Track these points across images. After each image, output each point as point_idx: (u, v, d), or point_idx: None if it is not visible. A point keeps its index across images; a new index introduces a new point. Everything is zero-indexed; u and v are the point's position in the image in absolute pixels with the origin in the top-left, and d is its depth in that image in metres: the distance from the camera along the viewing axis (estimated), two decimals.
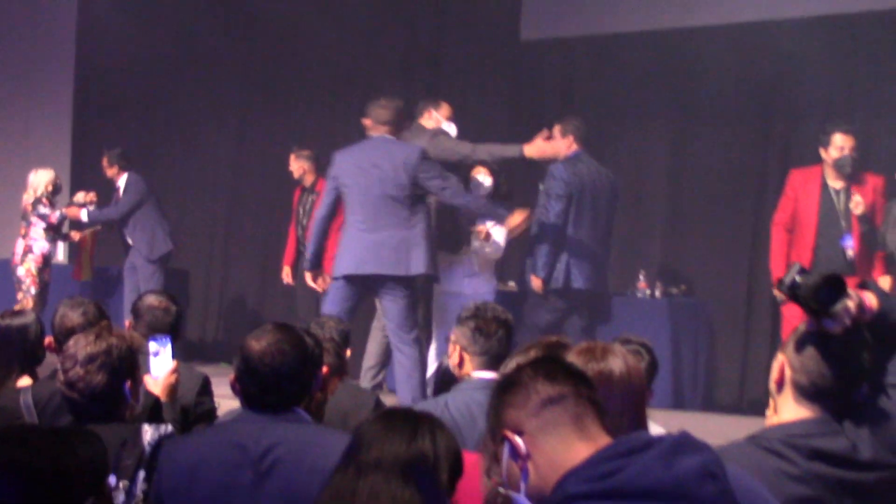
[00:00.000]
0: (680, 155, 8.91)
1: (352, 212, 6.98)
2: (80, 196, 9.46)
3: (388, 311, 6.94)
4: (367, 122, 7.14)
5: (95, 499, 2.10)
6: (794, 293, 2.73)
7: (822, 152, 7.20)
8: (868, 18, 8.07)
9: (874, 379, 2.89)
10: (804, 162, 7.58)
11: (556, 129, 7.78)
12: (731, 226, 8.63)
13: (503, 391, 2.17)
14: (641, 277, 8.30)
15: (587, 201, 7.55)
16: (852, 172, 7.14)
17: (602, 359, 2.61)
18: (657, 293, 8.24)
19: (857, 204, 6.98)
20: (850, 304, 2.73)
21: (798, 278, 2.73)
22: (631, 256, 8.73)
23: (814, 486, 2.71)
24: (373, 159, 6.93)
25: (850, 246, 7.10)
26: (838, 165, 7.15)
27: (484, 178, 7.44)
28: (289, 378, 3.08)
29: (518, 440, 2.10)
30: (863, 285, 2.93)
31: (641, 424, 2.59)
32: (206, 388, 4.49)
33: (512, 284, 8.35)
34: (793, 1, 8.34)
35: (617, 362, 2.62)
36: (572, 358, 2.61)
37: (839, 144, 7.14)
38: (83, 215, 9.37)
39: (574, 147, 7.70)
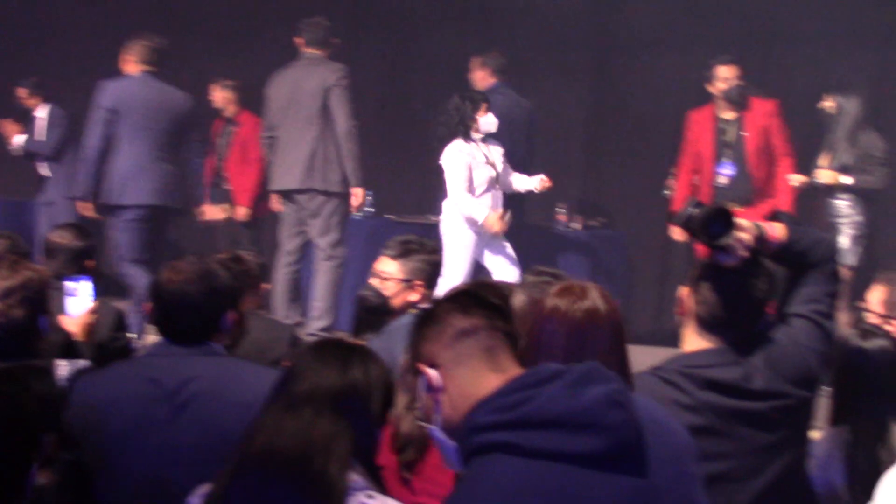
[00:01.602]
0: (600, 87, 8.93)
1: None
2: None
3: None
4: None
5: (55, 434, 2.07)
6: (686, 226, 2.77)
7: (711, 88, 7.33)
8: None
9: (780, 308, 2.94)
10: None
11: (474, 62, 7.78)
12: (650, 158, 8.69)
13: (420, 325, 2.18)
14: (561, 209, 8.33)
15: (504, 132, 7.54)
16: (742, 101, 7.24)
17: (585, 297, 2.60)
18: (576, 225, 8.29)
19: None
20: (744, 235, 2.76)
21: (692, 212, 2.75)
22: (552, 188, 8.76)
23: (705, 416, 2.75)
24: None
25: (726, 174, 7.21)
26: (727, 96, 7.26)
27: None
28: (192, 308, 3.06)
29: (432, 372, 2.11)
30: (774, 216, 2.98)
31: (626, 364, 2.60)
32: (121, 324, 4.45)
33: (431, 217, 8.34)
34: None
35: (599, 300, 2.62)
36: (554, 300, 2.60)
37: (724, 76, 7.27)
38: (21, 141, 9.04)
39: (491, 80, 7.69)
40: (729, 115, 7.32)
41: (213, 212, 8.61)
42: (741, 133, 7.26)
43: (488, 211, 6.97)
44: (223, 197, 8.86)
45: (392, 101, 9.60)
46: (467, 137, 7.00)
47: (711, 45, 8.45)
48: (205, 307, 3.07)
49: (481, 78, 7.78)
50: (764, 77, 8.13)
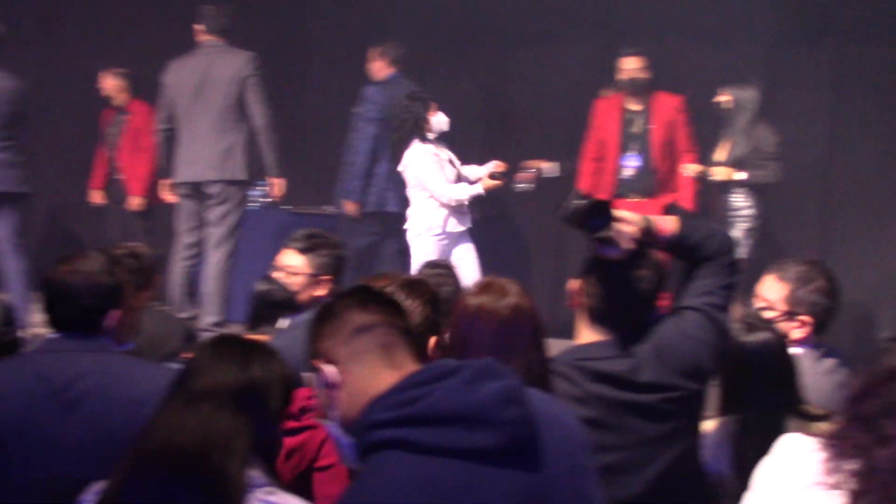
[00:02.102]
0: (497, 77, 8.96)
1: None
2: None
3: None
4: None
5: None
6: (568, 219, 2.79)
7: (618, 78, 7.44)
8: None
9: (674, 301, 2.98)
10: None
11: (372, 52, 7.76)
12: (544, 150, 8.75)
13: (319, 321, 2.17)
14: None
15: None
16: (642, 92, 7.36)
17: (508, 293, 2.62)
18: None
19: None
20: (628, 228, 2.79)
21: (574, 204, 2.77)
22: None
23: (594, 408, 2.77)
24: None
25: (631, 165, 7.32)
26: (627, 86, 7.36)
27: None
28: (72, 300, 3.01)
29: (328, 369, 2.11)
30: (668, 210, 3.02)
31: (545, 358, 2.61)
32: (9, 317, 4.34)
33: (329, 208, 8.31)
34: None
35: (520, 296, 2.64)
36: (480, 298, 2.61)
37: (626, 67, 7.38)
38: None
39: (389, 70, 7.68)
40: (636, 106, 7.42)
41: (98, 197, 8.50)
42: (647, 126, 7.38)
43: (472, 187, 6.96)
44: (116, 187, 8.72)
45: (286, 90, 9.50)
46: (423, 138, 6.97)
47: (605, 39, 8.56)
48: (86, 301, 3.02)
49: (379, 68, 7.76)
50: (658, 71, 8.25)
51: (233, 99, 7.07)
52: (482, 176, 7.12)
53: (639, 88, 7.38)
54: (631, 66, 7.39)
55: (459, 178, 7.07)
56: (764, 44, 8.09)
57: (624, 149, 7.43)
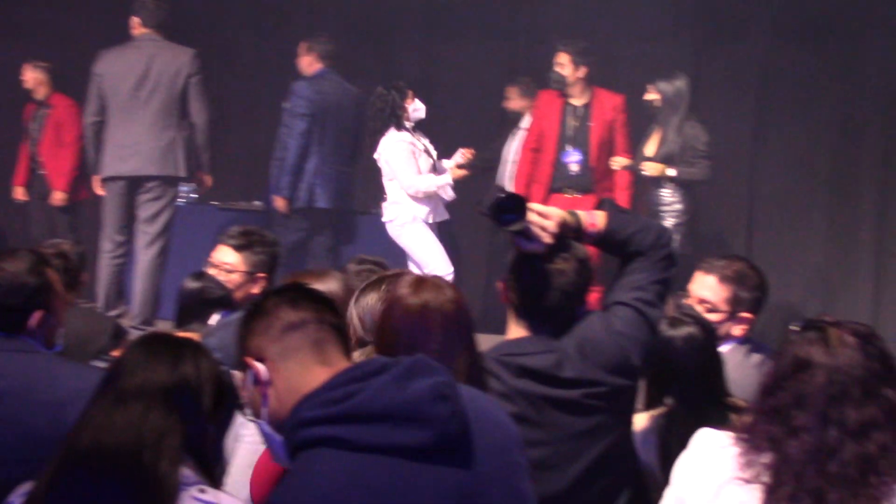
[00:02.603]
0: (427, 72, 8.95)
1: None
2: None
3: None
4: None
5: None
6: (485, 213, 2.80)
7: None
8: None
9: (605, 296, 2.99)
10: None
11: (301, 47, 7.72)
12: (479, 141, 8.76)
13: (249, 318, 2.16)
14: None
15: (331, 119, 7.52)
16: (587, 89, 7.41)
17: (445, 289, 2.60)
18: None
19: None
20: (546, 223, 2.79)
21: (493, 198, 2.78)
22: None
23: (518, 403, 2.77)
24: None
25: (574, 161, 7.37)
26: (553, 81, 7.41)
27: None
28: None
29: (259, 366, 2.10)
30: (600, 205, 3.02)
31: (477, 353, 2.61)
32: None
33: (257, 204, 8.26)
34: None
35: (454, 291, 2.62)
36: (418, 297, 2.57)
37: (558, 61, 7.42)
38: None
39: (318, 65, 7.65)
40: (578, 101, 7.46)
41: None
42: (587, 123, 7.42)
43: (440, 177, 6.96)
44: (39, 182, 8.59)
45: (213, 84, 9.41)
46: (400, 127, 6.95)
47: (532, 34, 8.61)
48: (8, 300, 2.96)
49: (308, 63, 7.71)
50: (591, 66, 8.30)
51: (176, 95, 6.99)
52: (453, 163, 7.15)
53: (564, 85, 7.42)
54: (559, 61, 7.43)
55: (436, 168, 7.08)
56: (691, 42, 8.18)
57: (562, 143, 7.48)
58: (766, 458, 2.34)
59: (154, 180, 7.03)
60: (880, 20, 7.61)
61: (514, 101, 8.19)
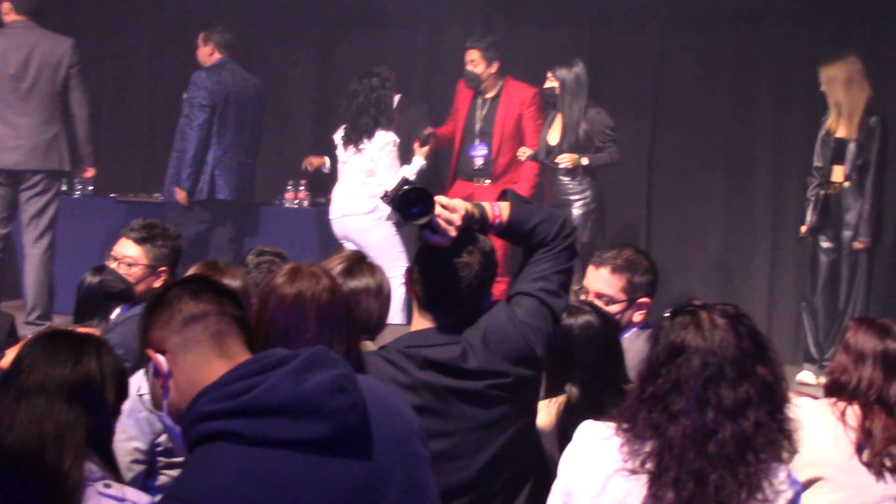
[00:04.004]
0: (326, 63, 8.92)
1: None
2: None
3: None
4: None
5: None
6: (392, 205, 2.81)
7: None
8: None
9: (509, 287, 3.01)
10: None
11: (199, 37, 7.64)
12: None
13: (151, 310, 2.14)
14: (290, 187, 8.31)
15: (232, 110, 7.46)
16: (498, 81, 7.48)
17: (322, 278, 2.60)
18: (305, 203, 8.29)
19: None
20: (451, 215, 2.81)
21: (398, 191, 2.79)
22: (280, 166, 8.72)
23: (423, 395, 2.78)
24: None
25: (479, 155, 7.43)
26: (468, 80, 7.46)
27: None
28: None
29: (159, 358, 2.08)
30: (502, 195, 3.04)
31: (358, 344, 2.62)
32: None
33: (157, 196, 8.15)
34: None
35: (331, 280, 2.62)
36: (292, 286, 2.57)
37: (469, 59, 7.47)
38: None
39: (217, 55, 7.58)
40: (490, 93, 7.52)
41: None
42: (494, 115, 7.48)
43: (413, 164, 7.08)
44: None
45: (110, 75, 9.27)
46: (388, 126, 7.07)
47: (436, 22, 8.62)
48: None
49: (206, 54, 7.64)
50: (498, 37, 8.31)
51: (58, 86, 6.89)
52: (415, 150, 7.20)
53: (479, 82, 7.47)
54: (470, 58, 7.48)
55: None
56: (589, 28, 8.25)
57: (470, 136, 7.54)
58: (648, 446, 2.40)
59: (38, 174, 6.91)
60: (774, 6, 7.76)
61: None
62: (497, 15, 8.42)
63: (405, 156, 7.24)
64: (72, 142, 7.02)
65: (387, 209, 6.92)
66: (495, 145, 7.50)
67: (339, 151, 7.26)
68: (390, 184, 6.83)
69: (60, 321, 6.38)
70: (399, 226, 6.95)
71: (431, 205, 2.78)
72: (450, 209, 2.82)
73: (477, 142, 7.55)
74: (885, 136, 6.63)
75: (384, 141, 7.01)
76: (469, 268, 2.86)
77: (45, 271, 6.96)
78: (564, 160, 7.18)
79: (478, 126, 7.57)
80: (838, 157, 6.70)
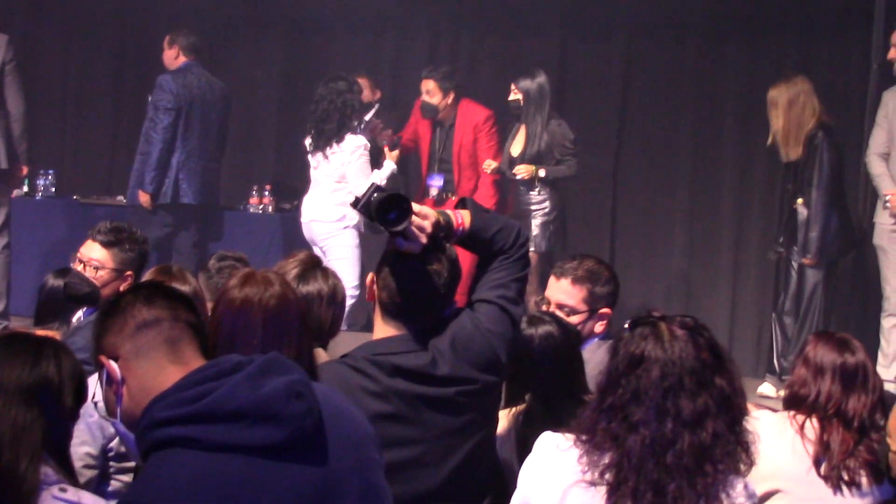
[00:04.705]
0: (292, 65, 8.90)
1: None
2: None
3: None
4: None
5: None
6: (367, 212, 2.81)
7: None
8: None
9: (469, 295, 3.02)
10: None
11: (165, 40, 7.61)
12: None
13: (104, 316, 2.13)
14: (254, 192, 8.28)
15: (197, 114, 7.43)
16: (453, 104, 7.50)
17: (273, 284, 2.62)
18: (269, 207, 8.26)
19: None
20: (423, 223, 2.82)
21: (371, 197, 2.79)
22: (244, 171, 8.69)
23: (392, 402, 2.79)
24: None
25: (435, 185, 7.44)
26: (424, 111, 7.46)
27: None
28: None
29: (111, 365, 2.07)
30: (461, 203, 3.04)
31: (311, 350, 2.61)
32: None
33: (120, 199, 8.10)
34: None
35: (284, 286, 2.64)
36: (244, 290, 2.60)
37: (426, 89, 7.50)
38: None
39: (182, 59, 7.54)
40: (446, 120, 7.57)
41: None
42: (452, 139, 7.50)
43: (383, 169, 7.02)
44: None
45: (74, 76, 9.21)
46: (357, 129, 7.03)
47: (403, 31, 8.63)
48: None
49: (172, 57, 7.60)
50: (454, 67, 8.36)
51: None
52: (385, 154, 7.18)
53: (436, 113, 7.48)
54: (427, 89, 7.50)
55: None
56: (557, 40, 8.27)
57: (432, 162, 7.59)
58: (607, 457, 2.40)
59: None
60: (738, 20, 7.82)
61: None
62: (464, 24, 8.44)
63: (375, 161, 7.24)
64: (7, 139, 6.89)
65: (354, 218, 6.93)
66: (455, 173, 7.56)
67: (310, 157, 7.24)
68: (361, 188, 6.85)
69: (18, 323, 6.33)
70: (371, 232, 6.93)
71: (409, 211, 2.78)
72: (421, 216, 2.82)
73: (435, 171, 7.57)
74: (833, 153, 6.63)
75: (354, 145, 6.99)
76: (439, 275, 2.87)
77: (3, 273, 6.87)
78: (521, 171, 7.21)
79: (438, 151, 7.61)
80: (795, 175, 6.76)
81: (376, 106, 7.45)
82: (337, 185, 7.06)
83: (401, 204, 2.78)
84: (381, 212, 2.78)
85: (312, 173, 7.26)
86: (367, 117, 7.19)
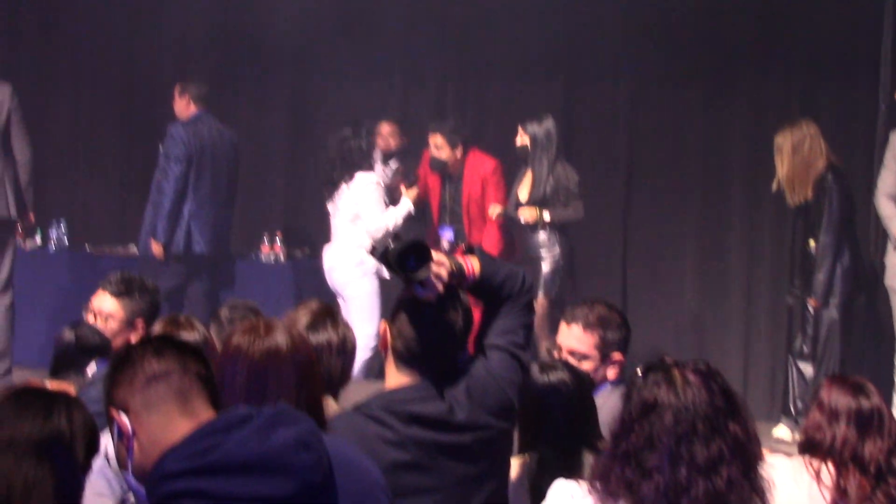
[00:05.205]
0: (299, 114, 8.94)
1: None
2: None
3: None
4: None
5: None
6: (385, 259, 2.80)
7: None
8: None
9: (478, 341, 3.02)
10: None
11: (176, 90, 7.66)
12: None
13: (114, 369, 2.13)
14: (265, 240, 8.30)
15: (207, 163, 7.46)
16: (462, 155, 7.50)
17: (269, 334, 2.61)
18: (280, 255, 8.27)
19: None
20: (441, 270, 2.82)
21: (390, 245, 2.78)
22: (255, 218, 8.71)
23: (411, 451, 2.77)
24: None
25: (446, 238, 7.42)
26: (433, 166, 7.48)
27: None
28: None
29: (123, 418, 2.06)
30: (468, 250, 3.04)
31: (318, 401, 2.61)
32: None
33: (132, 249, 8.12)
34: None
35: (282, 337, 2.62)
36: (237, 339, 2.61)
37: (434, 144, 7.51)
38: None
39: (193, 108, 7.59)
40: (456, 173, 7.58)
41: None
42: (461, 190, 7.51)
43: (400, 207, 7.06)
44: None
45: (85, 125, 9.27)
46: (370, 167, 7.07)
47: (411, 78, 8.66)
48: None
49: (183, 106, 7.64)
50: (461, 110, 8.39)
51: (2, 133, 6.80)
52: (401, 193, 7.20)
53: (445, 167, 7.50)
54: (435, 143, 7.50)
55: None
56: (562, 83, 8.30)
57: (442, 214, 7.59)
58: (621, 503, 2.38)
59: None
60: (744, 64, 7.83)
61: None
62: (471, 70, 8.48)
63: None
64: (15, 188, 6.90)
65: (371, 262, 6.90)
66: (465, 224, 7.56)
67: (329, 206, 7.25)
68: (375, 223, 6.90)
69: (29, 375, 6.32)
70: (389, 277, 6.91)
71: (429, 258, 2.78)
72: (437, 263, 2.83)
73: (446, 223, 7.57)
74: (843, 195, 6.64)
75: (365, 182, 6.99)
76: (455, 323, 2.88)
77: (9, 325, 6.85)
78: (525, 215, 7.21)
79: (448, 203, 7.62)
80: (805, 218, 6.76)
81: (395, 157, 7.47)
82: (352, 225, 7.05)
83: (421, 251, 2.78)
84: (402, 259, 2.77)
85: (332, 222, 7.27)
86: (392, 165, 7.21)
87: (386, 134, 7.96)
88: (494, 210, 7.41)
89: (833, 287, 6.64)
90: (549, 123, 7.28)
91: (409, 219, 7.19)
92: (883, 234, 6.82)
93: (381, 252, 2.82)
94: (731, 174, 7.92)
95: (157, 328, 3.56)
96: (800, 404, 6.72)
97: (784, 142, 6.69)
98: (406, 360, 2.89)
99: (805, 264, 6.78)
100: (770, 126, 7.19)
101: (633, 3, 7.84)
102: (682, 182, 8.04)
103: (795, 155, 6.64)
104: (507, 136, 7.57)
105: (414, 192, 7.22)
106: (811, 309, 6.72)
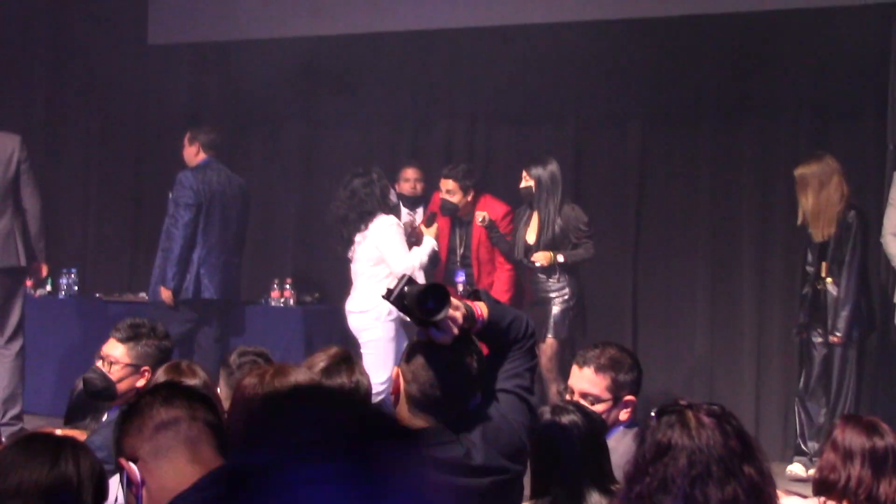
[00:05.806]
0: (309, 160, 8.97)
1: None
2: None
3: None
4: None
5: None
6: (401, 303, 2.79)
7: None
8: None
9: (486, 385, 3.01)
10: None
11: (185, 137, 7.69)
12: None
13: (123, 418, 2.12)
14: (275, 286, 8.30)
15: (217, 209, 7.47)
16: (474, 199, 7.51)
17: (277, 380, 2.61)
18: (290, 301, 8.27)
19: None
20: (456, 314, 2.82)
21: (405, 289, 2.77)
22: (264, 264, 8.72)
23: None
24: None
25: (460, 282, 7.39)
26: (445, 210, 7.47)
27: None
28: None
29: (131, 467, 2.05)
30: (474, 295, 3.04)
31: None
32: None
33: (143, 296, 8.13)
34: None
35: (300, 375, 2.64)
36: (248, 382, 2.60)
37: (446, 189, 7.46)
38: None
39: (202, 155, 7.61)
40: (466, 217, 7.57)
41: None
42: (471, 234, 7.51)
43: (423, 246, 7.03)
44: None
45: (96, 172, 9.31)
46: (388, 209, 7.00)
47: (417, 122, 8.70)
48: None
49: (192, 153, 7.67)
50: (469, 154, 8.41)
51: (9, 182, 6.83)
52: (421, 232, 7.20)
53: (456, 211, 7.50)
54: (447, 188, 7.48)
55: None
56: (571, 125, 8.32)
57: (452, 257, 7.58)
58: None
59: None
60: (752, 104, 7.85)
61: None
62: (479, 114, 8.51)
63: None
64: (24, 237, 6.94)
65: (386, 307, 6.84)
66: (475, 268, 7.54)
67: (349, 255, 7.20)
68: (402, 266, 6.84)
69: (40, 422, 6.31)
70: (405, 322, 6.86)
71: (447, 300, 2.77)
72: (453, 307, 2.82)
73: (458, 267, 7.56)
74: (864, 232, 6.66)
75: (385, 224, 6.94)
76: (471, 367, 2.87)
77: (21, 372, 6.84)
78: (539, 259, 7.19)
79: (459, 251, 7.61)
80: (824, 255, 6.75)
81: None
82: (374, 269, 6.99)
83: (439, 294, 2.77)
84: (420, 302, 2.76)
85: (352, 267, 7.20)
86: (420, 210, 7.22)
87: (413, 179, 7.96)
88: (483, 220, 7.39)
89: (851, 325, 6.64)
90: (553, 166, 7.26)
91: (434, 254, 7.17)
92: (891, 272, 6.81)
93: (396, 295, 2.81)
94: (741, 213, 7.92)
95: (160, 375, 3.56)
96: (810, 444, 6.68)
97: (810, 176, 6.67)
98: (421, 404, 2.88)
99: (816, 301, 6.75)
100: (778, 166, 7.20)
101: (642, 48, 7.87)
102: (692, 224, 8.04)
103: (822, 190, 6.64)
104: (517, 181, 7.56)
105: (434, 230, 7.20)
106: (817, 346, 6.69)
